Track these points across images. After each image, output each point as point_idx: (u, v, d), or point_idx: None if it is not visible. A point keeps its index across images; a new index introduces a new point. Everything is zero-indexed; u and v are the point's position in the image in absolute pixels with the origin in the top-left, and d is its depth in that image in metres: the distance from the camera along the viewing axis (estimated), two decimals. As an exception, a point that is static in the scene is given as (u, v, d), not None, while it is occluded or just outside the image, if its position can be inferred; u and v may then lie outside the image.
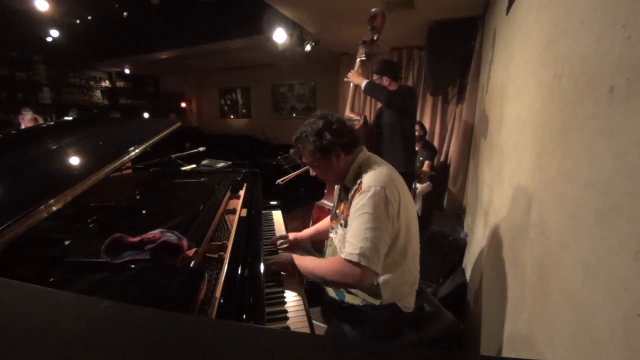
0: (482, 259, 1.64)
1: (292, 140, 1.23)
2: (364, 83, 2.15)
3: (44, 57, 5.70)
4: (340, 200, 1.29)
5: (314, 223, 2.64)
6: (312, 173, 1.27)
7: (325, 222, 1.56)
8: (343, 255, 1.04)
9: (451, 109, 3.83)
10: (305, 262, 1.21)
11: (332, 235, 1.32)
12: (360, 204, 1.05)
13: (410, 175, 2.34)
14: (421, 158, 3.37)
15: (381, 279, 1.12)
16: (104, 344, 0.31)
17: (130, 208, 1.25)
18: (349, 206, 1.12)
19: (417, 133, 3.33)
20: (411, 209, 1.16)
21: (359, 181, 1.12)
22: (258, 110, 7.15)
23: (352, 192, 1.13)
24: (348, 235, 1.07)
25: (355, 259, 1.00)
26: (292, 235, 1.49)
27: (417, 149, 3.32)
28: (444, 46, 3.15)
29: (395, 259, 1.12)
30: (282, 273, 1.25)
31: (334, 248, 1.26)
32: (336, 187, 1.36)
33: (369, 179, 1.08)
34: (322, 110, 1.21)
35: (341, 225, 1.19)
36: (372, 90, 2.14)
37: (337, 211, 1.29)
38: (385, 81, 2.22)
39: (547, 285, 0.78)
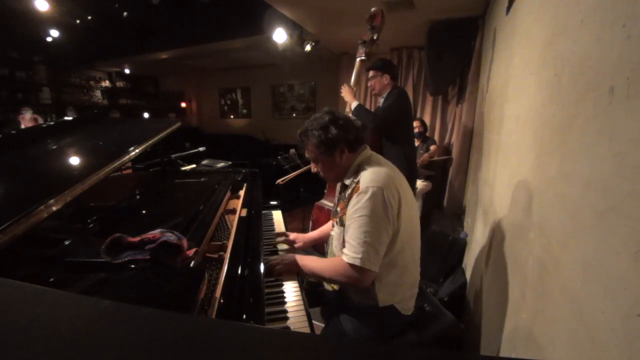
0: (482, 259, 1.64)
1: (297, 134, 1.20)
2: (354, 104, 2.19)
3: (44, 57, 5.70)
4: (339, 199, 1.28)
5: (314, 223, 2.65)
6: (314, 169, 1.24)
7: (329, 224, 1.55)
8: (346, 259, 1.04)
9: (451, 109, 3.83)
10: (308, 262, 1.21)
11: (332, 233, 1.31)
12: (357, 206, 1.04)
13: (411, 179, 2.34)
14: (421, 152, 3.39)
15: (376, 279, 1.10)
16: (104, 344, 0.31)
17: (130, 208, 1.25)
18: (346, 205, 1.11)
19: (417, 130, 3.36)
20: (413, 209, 1.14)
21: (356, 180, 1.10)
22: (258, 110, 7.15)
23: (350, 190, 1.12)
24: (347, 236, 1.07)
25: (358, 263, 1.02)
26: (292, 235, 1.48)
27: (416, 144, 3.34)
28: (444, 46, 3.15)
29: (393, 258, 1.09)
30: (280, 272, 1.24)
31: (333, 246, 1.26)
32: (338, 185, 1.35)
33: (366, 179, 1.06)
34: (329, 107, 1.20)
35: (337, 223, 1.18)
36: (359, 113, 2.16)
37: (338, 209, 1.27)
38: (385, 79, 2.20)
39: (547, 285, 0.78)
